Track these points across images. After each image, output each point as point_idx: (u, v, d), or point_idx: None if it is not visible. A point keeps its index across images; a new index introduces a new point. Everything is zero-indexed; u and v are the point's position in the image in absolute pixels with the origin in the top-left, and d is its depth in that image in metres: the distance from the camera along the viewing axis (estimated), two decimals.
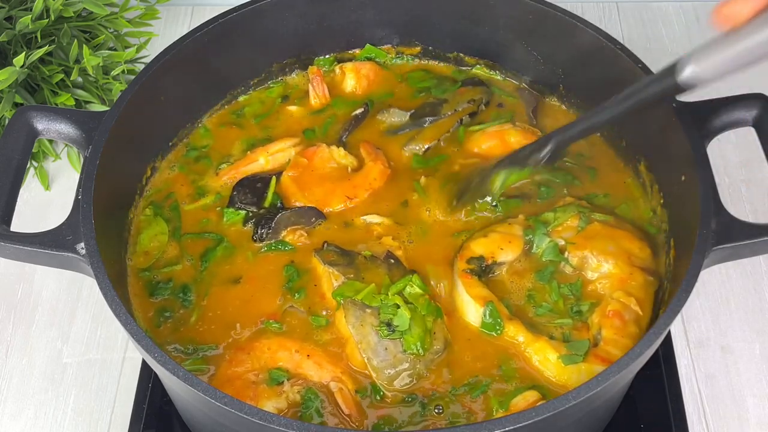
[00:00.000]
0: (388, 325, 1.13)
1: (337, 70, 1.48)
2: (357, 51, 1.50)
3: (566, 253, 1.22)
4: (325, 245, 1.24)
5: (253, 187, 1.32)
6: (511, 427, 0.92)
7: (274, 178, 1.32)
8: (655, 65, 1.27)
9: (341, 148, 1.36)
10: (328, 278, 1.20)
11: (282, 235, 1.27)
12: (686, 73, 1.01)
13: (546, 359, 1.12)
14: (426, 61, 1.51)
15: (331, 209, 1.30)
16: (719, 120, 1.19)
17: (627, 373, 0.99)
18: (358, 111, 1.42)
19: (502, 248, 1.22)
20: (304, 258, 1.25)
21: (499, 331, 1.15)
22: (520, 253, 1.23)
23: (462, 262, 1.21)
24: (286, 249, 1.26)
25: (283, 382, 1.12)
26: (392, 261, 1.21)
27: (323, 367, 1.14)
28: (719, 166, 1.59)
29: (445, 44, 1.49)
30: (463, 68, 1.50)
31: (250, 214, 1.29)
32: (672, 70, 1.02)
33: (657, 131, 1.25)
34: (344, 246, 1.24)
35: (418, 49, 1.50)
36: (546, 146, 1.20)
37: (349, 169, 1.34)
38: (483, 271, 1.21)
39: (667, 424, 1.25)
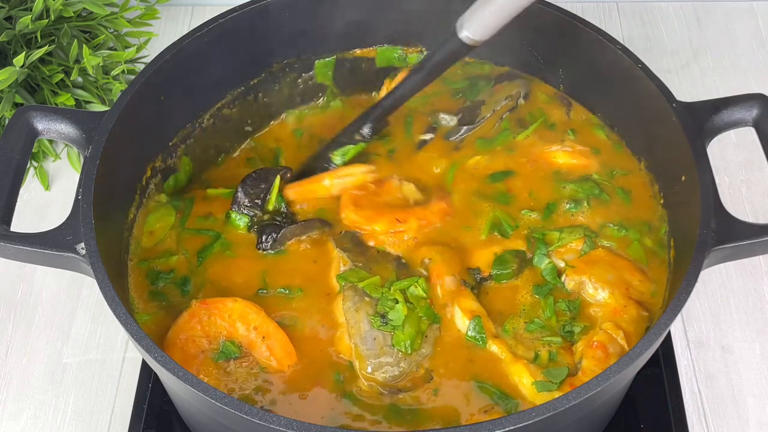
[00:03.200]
0: (383, 316, 1.14)
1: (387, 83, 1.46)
2: (357, 51, 1.50)
3: (563, 277, 1.20)
4: (343, 233, 1.25)
5: (258, 187, 1.28)
6: (512, 427, 0.92)
7: (278, 177, 1.29)
8: (655, 65, 1.28)
9: (411, 184, 1.31)
10: (338, 264, 1.21)
11: (286, 245, 1.25)
12: (463, 35, 1.20)
13: (521, 382, 1.11)
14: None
15: (377, 228, 1.25)
16: (719, 120, 1.19)
17: (627, 374, 0.99)
18: (427, 136, 1.39)
19: None
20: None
21: (482, 346, 1.14)
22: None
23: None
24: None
25: (230, 361, 1.13)
26: (402, 261, 1.22)
27: (275, 356, 1.14)
28: (719, 166, 1.59)
29: None
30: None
31: (255, 219, 1.27)
32: (454, 33, 1.20)
33: (657, 131, 1.25)
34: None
35: (419, 48, 1.50)
36: (366, 123, 1.35)
37: (412, 201, 1.30)
38: (477, 283, 1.20)
39: (667, 424, 1.26)
